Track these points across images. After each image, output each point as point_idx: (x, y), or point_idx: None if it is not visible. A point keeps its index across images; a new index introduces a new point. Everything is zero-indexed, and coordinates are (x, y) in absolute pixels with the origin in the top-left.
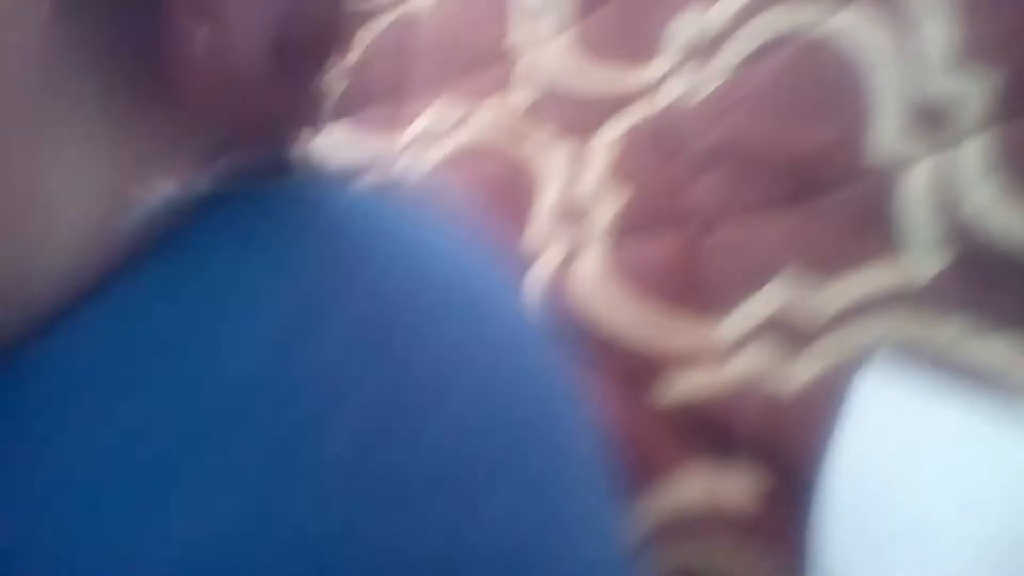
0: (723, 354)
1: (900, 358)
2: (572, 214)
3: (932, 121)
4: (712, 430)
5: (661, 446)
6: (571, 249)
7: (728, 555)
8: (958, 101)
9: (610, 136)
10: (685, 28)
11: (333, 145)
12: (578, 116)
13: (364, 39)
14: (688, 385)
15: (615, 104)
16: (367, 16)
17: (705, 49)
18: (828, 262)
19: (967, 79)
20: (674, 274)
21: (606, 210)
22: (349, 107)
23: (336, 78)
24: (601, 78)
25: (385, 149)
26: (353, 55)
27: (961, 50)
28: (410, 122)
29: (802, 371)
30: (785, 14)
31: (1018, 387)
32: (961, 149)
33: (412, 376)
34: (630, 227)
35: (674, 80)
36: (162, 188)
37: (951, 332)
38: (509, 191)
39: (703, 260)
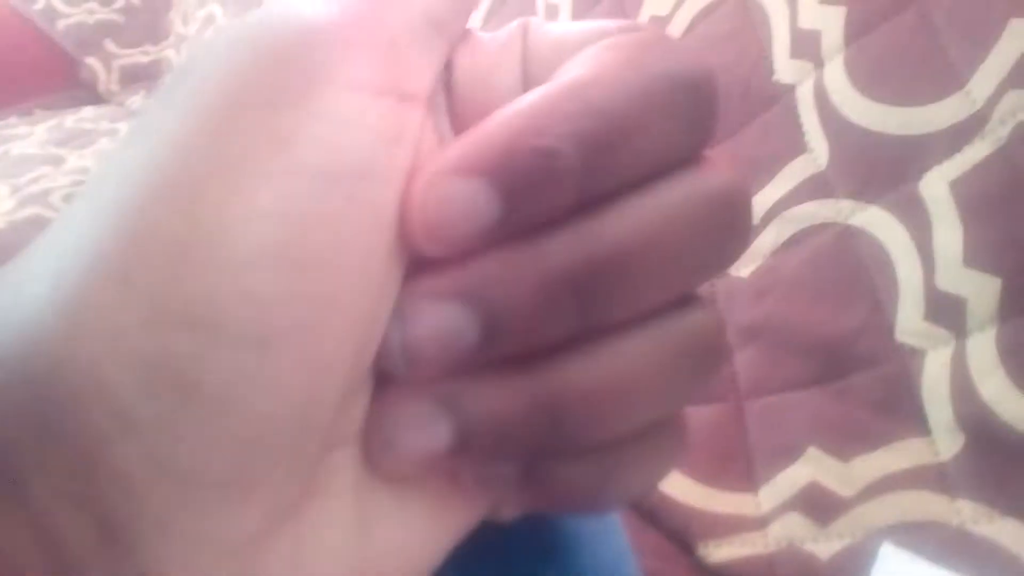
0: (760, 523)
1: (918, 537)
2: None
3: (948, 314)
4: None
5: None
6: None
7: None
8: (967, 299)
9: None
10: None
11: None
12: None
13: None
14: (729, 550)
15: None
16: None
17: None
18: (855, 439)
19: (973, 280)
20: (714, 444)
21: None
22: None
23: None
24: None
25: None
26: None
27: (966, 254)
28: None
29: (831, 542)
30: (818, 207)
31: None
32: (972, 341)
33: None
34: None
35: None
36: None
37: (967, 512)
38: None
39: (740, 433)
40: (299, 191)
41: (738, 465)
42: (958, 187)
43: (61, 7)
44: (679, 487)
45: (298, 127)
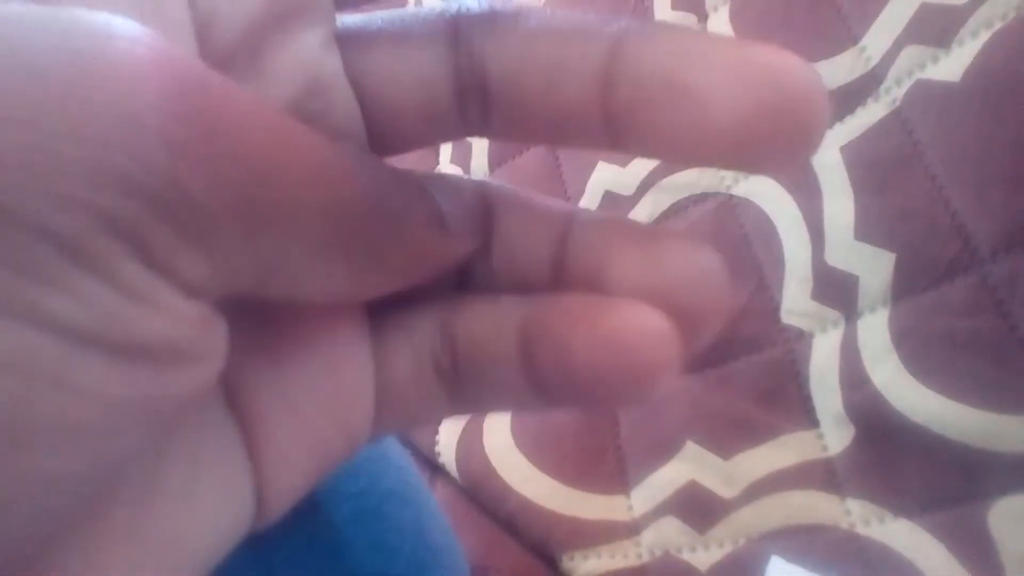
0: (632, 529)
1: (805, 542)
2: None
3: (838, 292)
4: None
5: None
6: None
7: None
8: (858, 276)
9: None
10: (602, 182)
11: None
12: None
13: None
14: (596, 562)
15: None
16: None
17: (622, 202)
18: (737, 433)
19: (864, 255)
20: (580, 440)
21: None
22: None
23: None
24: None
25: None
26: None
27: (858, 227)
28: None
29: (710, 551)
30: (699, 176)
31: (922, 575)
32: (864, 322)
33: None
34: None
35: None
36: None
37: (857, 513)
38: None
39: (610, 426)
40: None
41: (608, 464)
42: (849, 153)
43: None
44: (540, 490)
45: None
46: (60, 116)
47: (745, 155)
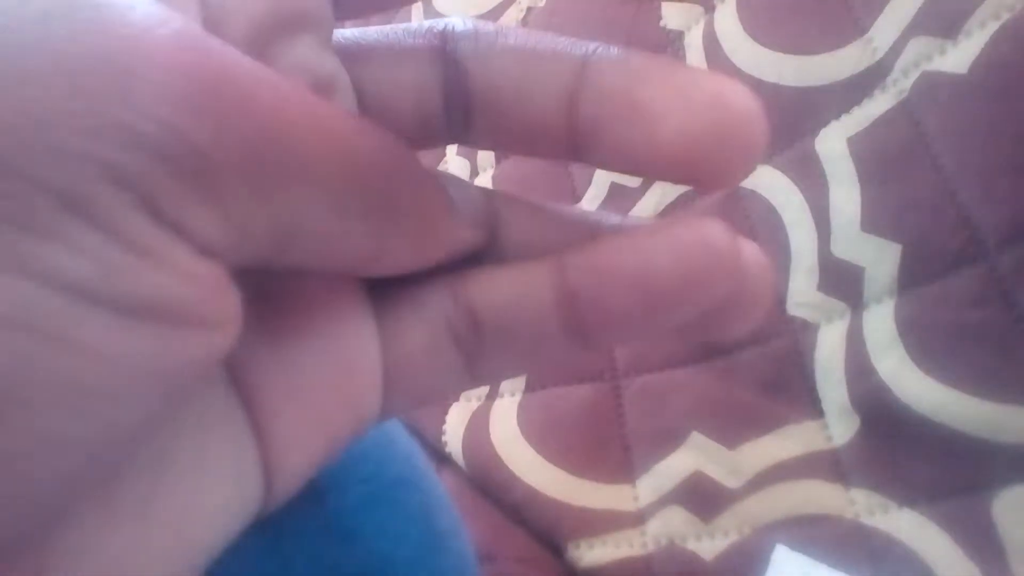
0: (638, 518)
1: (810, 532)
2: None
3: (844, 283)
4: None
5: None
6: (489, 393)
7: None
8: (864, 267)
9: None
10: (609, 174)
11: None
12: None
13: None
14: (603, 551)
15: None
16: None
17: (629, 194)
18: (742, 423)
19: (871, 247)
20: (587, 430)
21: None
22: None
23: None
24: None
25: None
26: None
27: (864, 218)
28: None
29: (715, 540)
30: None
31: (926, 566)
32: (869, 313)
33: None
34: (543, 377)
35: None
36: None
37: (862, 503)
38: None
39: (617, 416)
40: None
41: (614, 453)
42: (856, 144)
43: None
44: (546, 479)
45: None
46: (56, 70)
47: (692, 170)
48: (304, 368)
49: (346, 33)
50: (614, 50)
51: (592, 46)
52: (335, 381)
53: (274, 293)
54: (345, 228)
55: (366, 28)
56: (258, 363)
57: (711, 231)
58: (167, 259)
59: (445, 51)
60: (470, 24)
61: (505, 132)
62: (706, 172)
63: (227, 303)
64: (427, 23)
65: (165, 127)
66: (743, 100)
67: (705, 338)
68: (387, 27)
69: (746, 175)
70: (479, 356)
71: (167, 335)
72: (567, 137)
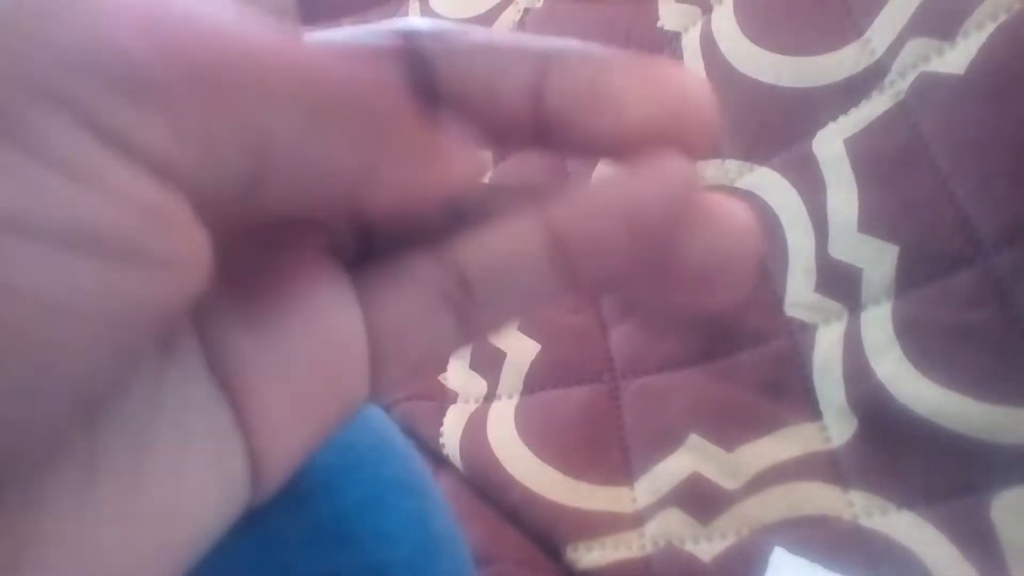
0: (636, 520)
1: (808, 533)
2: (488, 358)
3: (841, 285)
4: None
5: None
6: (487, 395)
7: None
8: (862, 268)
9: None
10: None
11: None
12: None
13: None
14: (601, 553)
15: None
16: None
17: None
18: (740, 425)
19: (868, 248)
20: (586, 431)
21: (522, 358)
22: None
23: None
24: None
25: None
26: None
27: (861, 219)
28: None
29: (713, 542)
30: (702, 168)
31: (925, 567)
32: (867, 315)
33: None
34: (541, 379)
35: None
36: None
37: (860, 505)
38: None
39: (615, 418)
40: None
41: (612, 455)
42: (854, 145)
43: None
44: (545, 481)
45: None
46: None
47: (650, 142)
48: (286, 350)
49: (314, 35)
50: (575, 44)
51: (553, 42)
52: (319, 361)
53: (250, 275)
54: (322, 144)
55: (334, 30)
56: (238, 348)
57: (680, 164)
58: (112, 183)
59: (410, 51)
60: (432, 24)
61: (474, 127)
62: (667, 141)
63: (188, 239)
64: (389, 23)
65: (102, 41)
66: (699, 85)
67: (695, 305)
68: (353, 28)
69: (706, 156)
70: (471, 314)
71: (113, 273)
72: (533, 128)
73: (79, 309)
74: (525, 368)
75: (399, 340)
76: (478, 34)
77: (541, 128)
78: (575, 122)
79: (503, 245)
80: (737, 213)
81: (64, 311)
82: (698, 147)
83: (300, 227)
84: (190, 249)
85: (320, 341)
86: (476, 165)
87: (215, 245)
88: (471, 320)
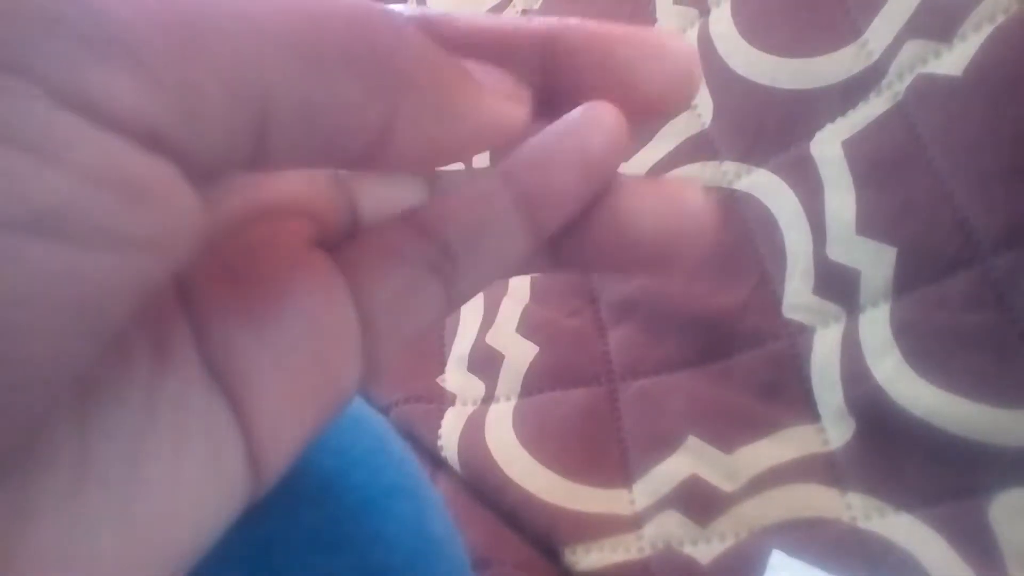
0: (634, 523)
1: (807, 536)
2: (487, 360)
3: (839, 287)
4: None
5: None
6: (485, 397)
7: None
8: (860, 270)
9: (522, 284)
10: None
11: None
12: None
13: None
14: (599, 555)
15: None
16: None
17: None
18: (738, 427)
19: (866, 250)
20: (584, 433)
21: (521, 360)
22: None
23: None
24: None
25: None
26: None
27: (859, 221)
28: None
29: (712, 544)
30: (701, 170)
31: (923, 569)
32: (865, 317)
33: None
34: (540, 382)
35: None
36: None
37: (858, 507)
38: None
39: (613, 420)
40: None
41: (610, 457)
42: (851, 147)
43: None
44: (543, 483)
45: None
46: None
47: (657, 107)
48: (280, 342)
49: None
50: (573, 20)
51: (552, 19)
52: (313, 351)
53: (241, 269)
54: (330, 90)
55: None
56: (233, 343)
57: (612, 110)
58: (77, 157)
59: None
60: (416, 10)
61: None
62: (671, 105)
63: (169, 210)
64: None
65: None
66: (690, 51)
67: (657, 270)
68: None
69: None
70: (455, 279)
71: (78, 256)
72: (542, 100)
73: (41, 297)
74: (523, 370)
75: (391, 318)
76: (463, 18)
77: (548, 98)
78: (585, 87)
79: (478, 205)
80: (689, 192)
81: (25, 301)
82: (690, 94)
83: (286, 219)
84: (172, 222)
85: (313, 332)
86: (519, 112)
87: (208, 207)
88: (456, 286)
